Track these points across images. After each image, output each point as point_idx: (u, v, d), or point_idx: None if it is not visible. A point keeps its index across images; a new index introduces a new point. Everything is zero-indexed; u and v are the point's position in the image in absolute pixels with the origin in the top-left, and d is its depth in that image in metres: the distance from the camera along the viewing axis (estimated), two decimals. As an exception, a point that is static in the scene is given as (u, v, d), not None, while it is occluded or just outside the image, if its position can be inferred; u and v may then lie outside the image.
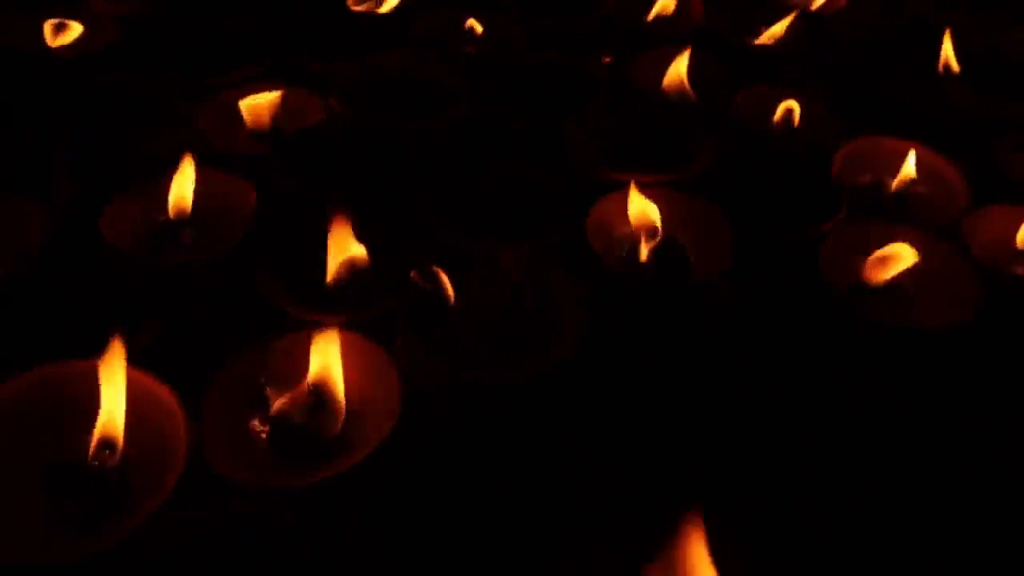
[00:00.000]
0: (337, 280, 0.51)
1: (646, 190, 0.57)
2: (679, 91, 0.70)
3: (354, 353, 0.47)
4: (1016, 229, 0.58)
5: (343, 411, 0.44)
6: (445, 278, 0.48)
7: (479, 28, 0.76)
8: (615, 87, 0.72)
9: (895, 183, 0.62)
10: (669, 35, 0.79)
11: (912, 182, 0.62)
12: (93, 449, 0.41)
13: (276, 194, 0.58)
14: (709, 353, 0.51)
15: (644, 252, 0.55)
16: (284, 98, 0.66)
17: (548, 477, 0.45)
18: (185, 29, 0.75)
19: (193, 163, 0.55)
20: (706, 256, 0.56)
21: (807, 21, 0.82)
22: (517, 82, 0.72)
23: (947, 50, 0.75)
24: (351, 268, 0.51)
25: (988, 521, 0.47)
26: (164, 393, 0.43)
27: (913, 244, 0.55)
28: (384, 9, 0.78)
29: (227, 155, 0.62)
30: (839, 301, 0.53)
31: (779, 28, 0.78)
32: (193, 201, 0.56)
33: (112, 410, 0.42)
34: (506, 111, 0.67)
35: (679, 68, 0.71)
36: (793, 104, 0.67)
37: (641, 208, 0.55)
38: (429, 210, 0.56)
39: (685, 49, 0.71)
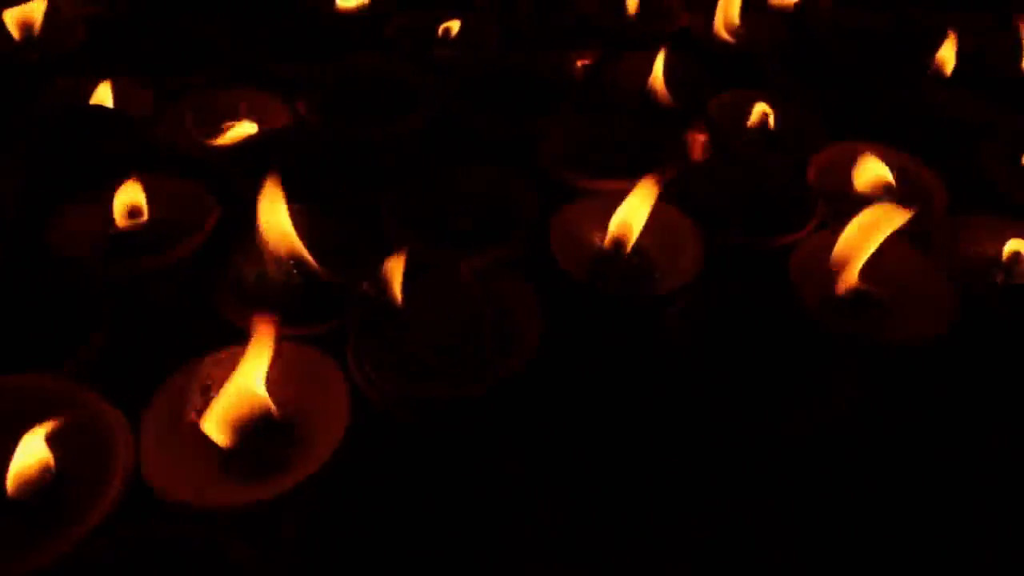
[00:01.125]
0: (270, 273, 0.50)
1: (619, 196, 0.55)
2: (655, 94, 0.69)
3: (302, 365, 0.46)
4: (996, 238, 0.56)
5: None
6: (396, 288, 0.47)
7: (453, 29, 0.75)
8: (590, 90, 0.71)
9: (868, 189, 0.61)
10: (647, 37, 0.77)
11: (887, 189, 0.60)
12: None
13: (236, 202, 0.57)
14: (671, 367, 0.49)
15: (611, 263, 0.53)
16: (250, 102, 0.65)
17: (494, 492, 0.44)
18: (151, 31, 0.74)
19: (141, 174, 0.54)
20: (673, 266, 0.55)
21: (789, 22, 0.81)
22: (490, 85, 0.70)
23: (944, 53, 0.73)
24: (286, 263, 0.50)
25: (968, 535, 0.46)
26: (105, 409, 0.42)
27: (888, 252, 0.53)
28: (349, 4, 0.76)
29: (190, 160, 0.61)
30: (809, 313, 0.52)
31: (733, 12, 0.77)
32: (148, 210, 0.55)
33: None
34: (476, 114, 0.65)
35: (656, 71, 0.69)
36: (768, 107, 0.66)
37: (624, 217, 0.53)
38: (390, 216, 0.55)
39: (661, 50, 0.69)
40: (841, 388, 0.49)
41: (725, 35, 0.78)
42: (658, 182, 0.53)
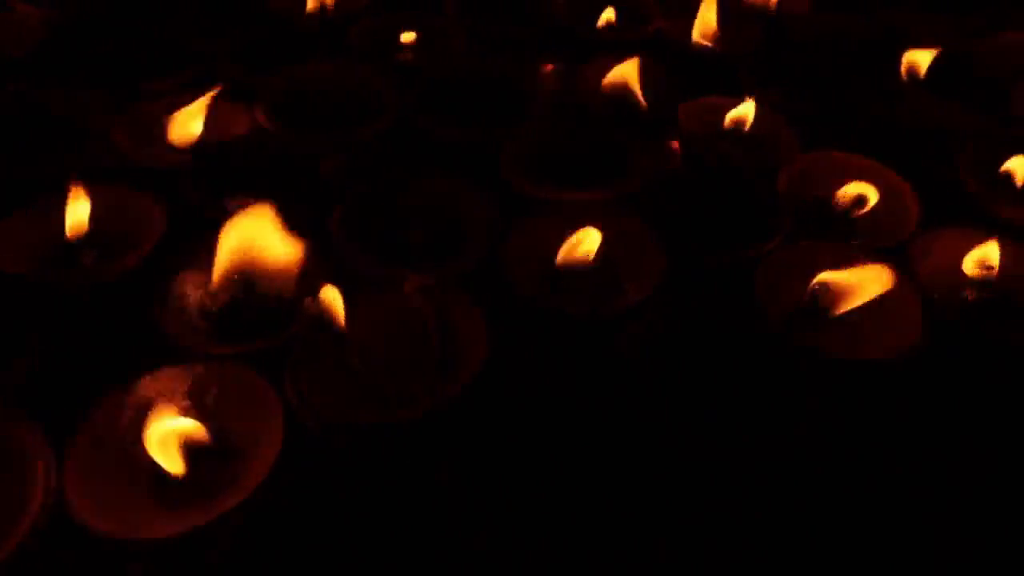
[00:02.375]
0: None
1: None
2: (627, 101, 0.67)
3: (238, 387, 0.44)
4: (965, 252, 0.54)
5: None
6: (339, 305, 0.45)
7: (418, 35, 0.73)
8: (560, 97, 0.69)
9: (841, 200, 0.59)
10: (621, 42, 0.75)
11: (860, 200, 0.58)
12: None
13: (188, 212, 0.55)
14: (628, 388, 0.48)
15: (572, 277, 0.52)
16: (209, 110, 0.63)
17: (432, 519, 0.42)
18: (107, 37, 0.72)
19: (83, 183, 0.52)
20: (636, 280, 0.53)
21: (767, 26, 0.79)
22: (455, 91, 0.69)
23: (914, 57, 0.71)
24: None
25: (933, 553, 0.44)
26: (26, 432, 0.40)
27: (858, 267, 0.51)
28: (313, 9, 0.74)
29: (143, 169, 0.60)
30: (775, 329, 0.50)
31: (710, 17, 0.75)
32: (93, 221, 0.53)
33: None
34: (438, 123, 0.63)
35: (628, 77, 0.67)
36: (741, 114, 0.64)
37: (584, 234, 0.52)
38: (339, 230, 0.53)
39: (633, 56, 0.67)
40: (804, 404, 0.47)
41: (702, 40, 0.76)
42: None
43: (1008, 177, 0.60)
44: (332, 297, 0.45)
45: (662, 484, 0.45)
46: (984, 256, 0.54)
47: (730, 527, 0.45)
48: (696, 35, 0.76)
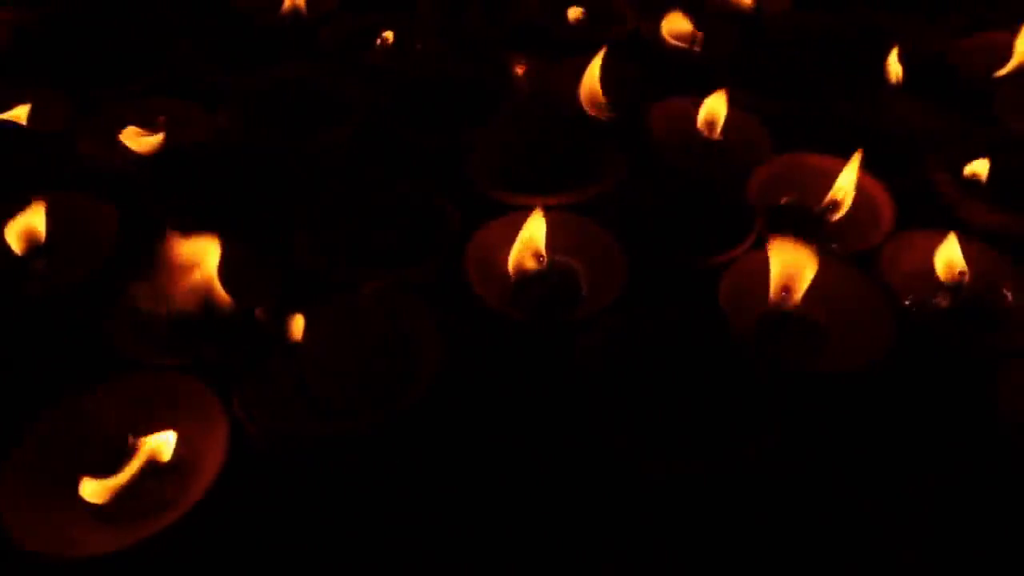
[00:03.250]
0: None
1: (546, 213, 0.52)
2: (594, 103, 0.66)
3: (184, 399, 0.43)
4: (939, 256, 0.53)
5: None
6: (291, 315, 0.44)
7: (390, 37, 0.72)
8: (531, 98, 0.67)
9: (822, 203, 0.57)
10: (595, 42, 0.74)
11: (834, 205, 0.57)
12: None
13: (145, 219, 0.54)
14: (587, 396, 0.46)
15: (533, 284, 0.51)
16: (171, 115, 0.62)
17: (381, 536, 0.41)
18: (72, 39, 0.71)
19: (42, 195, 0.52)
20: (598, 287, 0.52)
21: (745, 25, 0.77)
22: (425, 93, 0.67)
23: (892, 58, 0.70)
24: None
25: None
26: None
27: (827, 273, 0.50)
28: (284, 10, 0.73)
29: (102, 175, 0.59)
30: (739, 338, 0.49)
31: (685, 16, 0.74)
32: (48, 232, 0.52)
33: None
34: (406, 125, 0.62)
35: (592, 78, 0.66)
36: (713, 116, 0.63)
37: (529, 235, 0.50)
38: (300, 236, 0.52)
39: (599, 54, 0.66)
40: (770, 415, 0.45)
41: (675, 40, 0.75)
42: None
43: (975, 179, 0.58)
44: (284, 307, 0.44)
45: (619, 499, 0.44)
46: (955, 260, 0.52)
47: (689, 541, 0.43)
48: (670, 35, 0.74)
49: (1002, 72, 0.69)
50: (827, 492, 0.45)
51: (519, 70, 0.69)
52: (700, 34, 0.74)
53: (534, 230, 0.50)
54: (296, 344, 0.44)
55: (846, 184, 0.56)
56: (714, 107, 0.63)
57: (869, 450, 0.47)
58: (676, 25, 0.76)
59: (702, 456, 0.43)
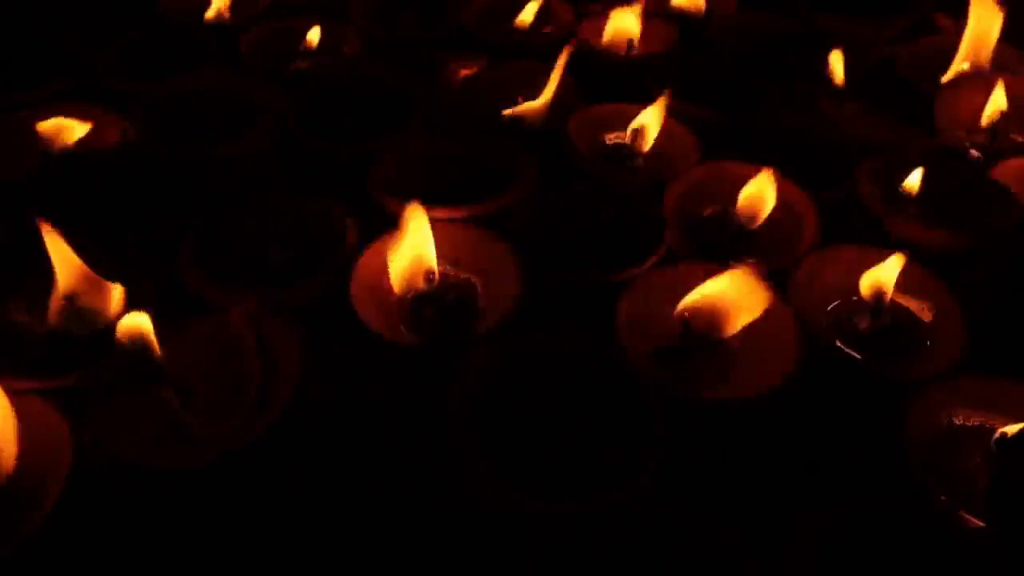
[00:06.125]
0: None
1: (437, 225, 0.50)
2: (517, 111, 0.63)
3: (31, 421, 0.41)
4: (858, 273, 0.50)
5: None
6: (151, 334, 0.42)
7: (313, 42, 0.70)
8: (446, 106, 0.65)
9: (738, 216, 0.55)
10: (534, 47, 0.72)
11: (752, 216, 0.54)
12: None
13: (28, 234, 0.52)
14: (468, 423, 0.44)
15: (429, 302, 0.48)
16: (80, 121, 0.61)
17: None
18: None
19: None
20: (494, 304, 0.49)
21: (689, 29, 0.75)
22: (344, 101, 0.65)
23: (834, 62, 0.67)
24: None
25: None
26: None
27: (736, 290, 0.47)
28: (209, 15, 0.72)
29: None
30: (635, 362, 0.45)
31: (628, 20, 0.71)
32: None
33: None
34: (317, 134, 0.60)
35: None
36: (640, 124, 0.60)
37: (412, 248, 0.48)
38: (186, 251, 0.50)
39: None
40: (662, 440, 0.42)
41: (612, 45, 0.72)
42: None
43: (906, 194, 0.55)
44: (144, 324, 0.42)
45: (498, 539, 0.41)
46: (885, 282, 0.49)
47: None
48: (608, 39, 0.72)
49: (943, 79, 0.66)
50: (707, 532, 0.41)
51: (453, 75, 0.67)
52: (637, 37, 0.71)
53: (417, 242, 0.47)
54: (157, 363, 0.42)
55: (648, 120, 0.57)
56: (647, 117, 0.60)
57: (760, 483, 0.44)
58: (619, 24, 0.73)
59: (566, 488, 0.40)
